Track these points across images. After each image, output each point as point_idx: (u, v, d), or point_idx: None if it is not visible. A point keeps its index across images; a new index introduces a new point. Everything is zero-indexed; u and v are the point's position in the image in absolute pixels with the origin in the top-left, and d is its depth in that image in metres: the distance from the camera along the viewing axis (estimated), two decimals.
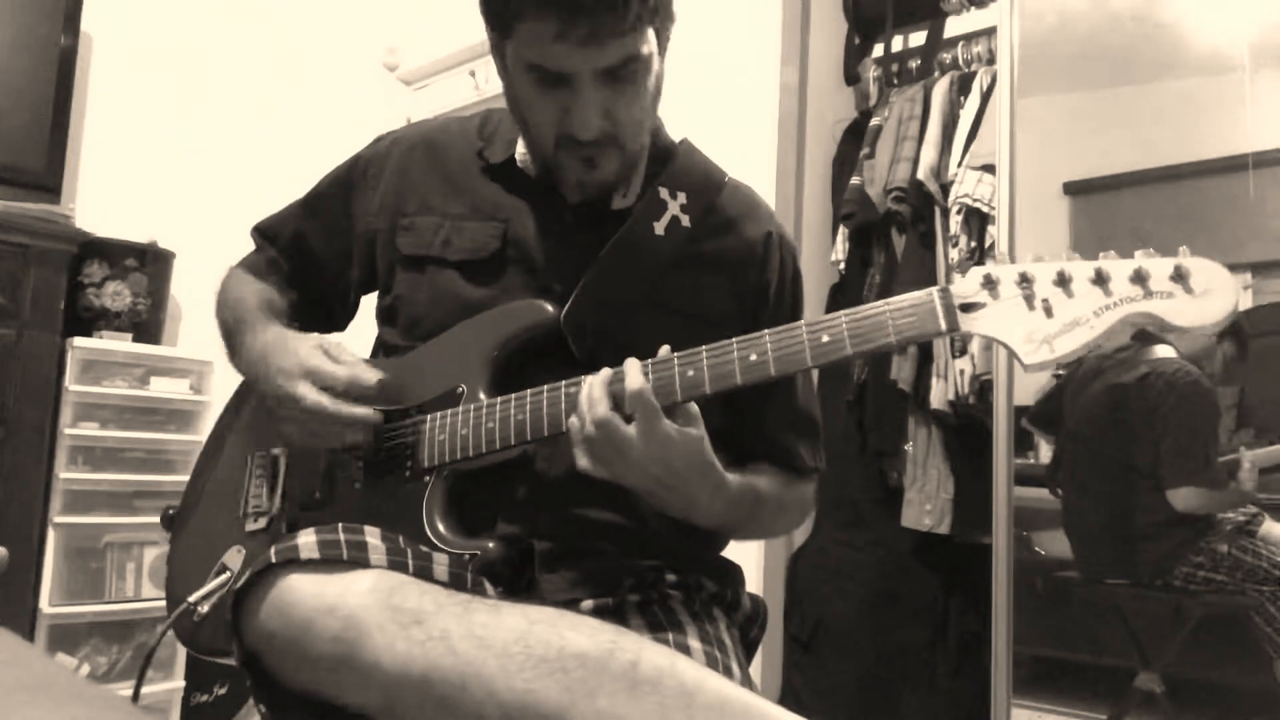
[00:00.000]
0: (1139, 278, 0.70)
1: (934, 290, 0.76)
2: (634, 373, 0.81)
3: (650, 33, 0.89)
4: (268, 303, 1.11)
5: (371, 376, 0.92)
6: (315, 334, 0.99)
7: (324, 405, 0.91)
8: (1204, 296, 0.68)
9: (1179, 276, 0.69)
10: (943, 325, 0.75)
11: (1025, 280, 0.73)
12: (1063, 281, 0.72)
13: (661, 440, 0.80)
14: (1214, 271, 0.69)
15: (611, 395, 0.82)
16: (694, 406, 0.83)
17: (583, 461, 0.83)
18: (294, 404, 0.92)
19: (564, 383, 0.87)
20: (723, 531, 1.02)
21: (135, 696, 1.12)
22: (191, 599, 0.98)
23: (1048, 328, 0.72)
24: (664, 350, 0.84)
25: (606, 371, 0.84)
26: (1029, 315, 0.73)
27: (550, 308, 0.95)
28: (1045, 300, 0.72)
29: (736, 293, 1.03)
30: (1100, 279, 0.71)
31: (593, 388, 0.82)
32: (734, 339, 0.82)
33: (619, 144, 0.94)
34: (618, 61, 0.87)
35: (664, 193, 1.01)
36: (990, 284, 0.74)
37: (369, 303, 1.15)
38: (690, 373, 0.82)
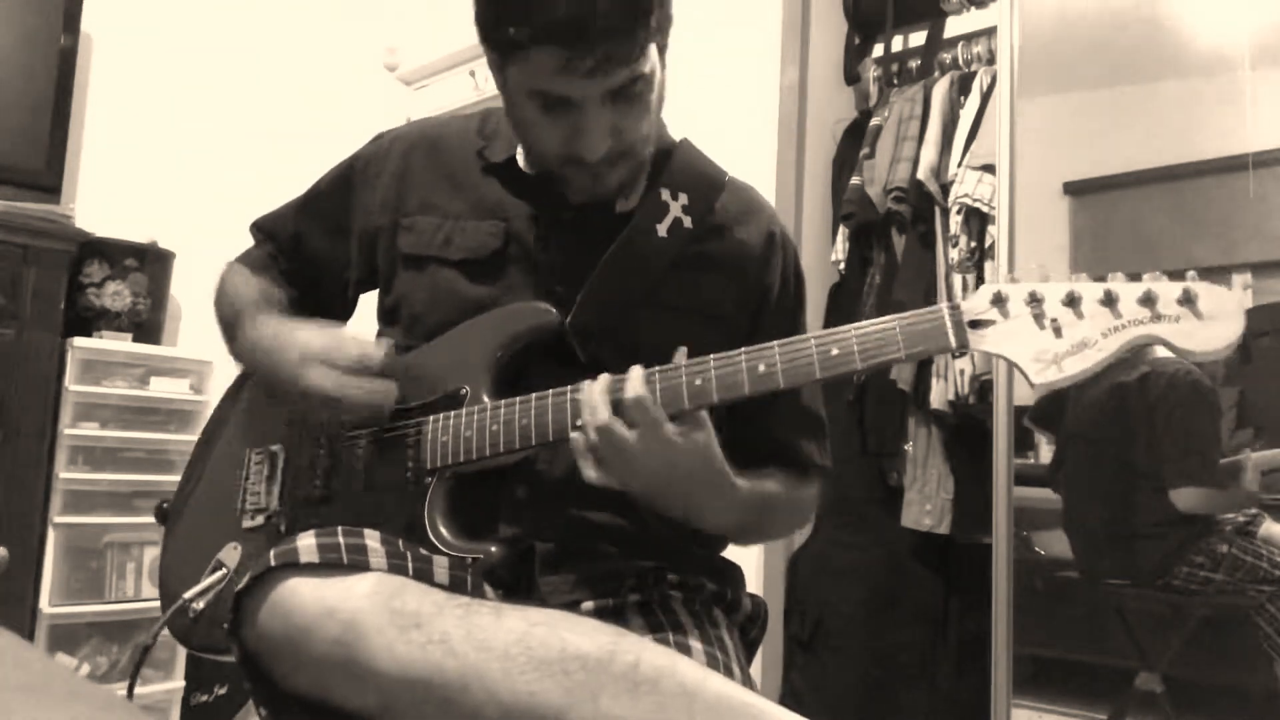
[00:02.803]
0: (1148, 300, 0.70)
1: (944, 306, 0.76)
2: (635, 380, 0.81)
3: (653, 49, 0.89)
4: (267, 296, 1.11)
5: (377, 354, 0.92)
6: (315, 323, 0.99)
7: (341, 381, 0.91)
8: (1211, 322, 0.69)
9: (1187, 300, 0.69)
10: (952, 342, 0.75)
11: (1035, 299, 0.73)
12: (1072, 302, 0.72)
13: (664, 444, 0.80)
14: (1222, 296, 0.69)
15: (613, 402, 0.82)
16: (701, 411, 0.83)
17: (589, 472, 0.83)
18: (308, 386, 0.92)
19: (569, 387, 0.87)
20: (729, 536, 1.02)
21: (130, 693, 1.12)
22: (187, 595, 0.98)
23: (1056, 347, 0.72)
24: (680, 354, 0.83)
25: (606, 378, 0.83)
26: (1038, 334, 0.73)
27: (554, 311, 0.94)
28: (1054, 320, 0.73)
29: (739, 292, 1.03)
30: (1109, 300, 0.71)
31: (593, 395, 0.82)
32: (742, 350, 0.82)
33: (628, 156, 0.94)
34: (624, 83, 0.87)
35: (665, 194, 1.01)
36: (1000, 302, 0.75)
37: (369, 302, 1.15)
38: (698, 382, 0.81)
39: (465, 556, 0.85)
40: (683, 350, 0.83)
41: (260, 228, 1.20)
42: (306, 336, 0.95)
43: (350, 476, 0.98)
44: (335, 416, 0.96)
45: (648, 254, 0.98)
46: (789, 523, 1.08)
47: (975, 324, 0.75)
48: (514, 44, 0.85)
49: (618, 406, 0.81)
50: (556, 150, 0.91)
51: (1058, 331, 0.72)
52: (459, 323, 0.98)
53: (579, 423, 0.83)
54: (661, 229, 0.99)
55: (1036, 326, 0.73)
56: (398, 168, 1.08)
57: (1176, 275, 0.71)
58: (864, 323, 0.79)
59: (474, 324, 0.97)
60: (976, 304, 0.75)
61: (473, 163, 1.05)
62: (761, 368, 0.80)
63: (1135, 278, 0.72)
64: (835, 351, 0.78)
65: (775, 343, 0.81)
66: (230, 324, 1.09)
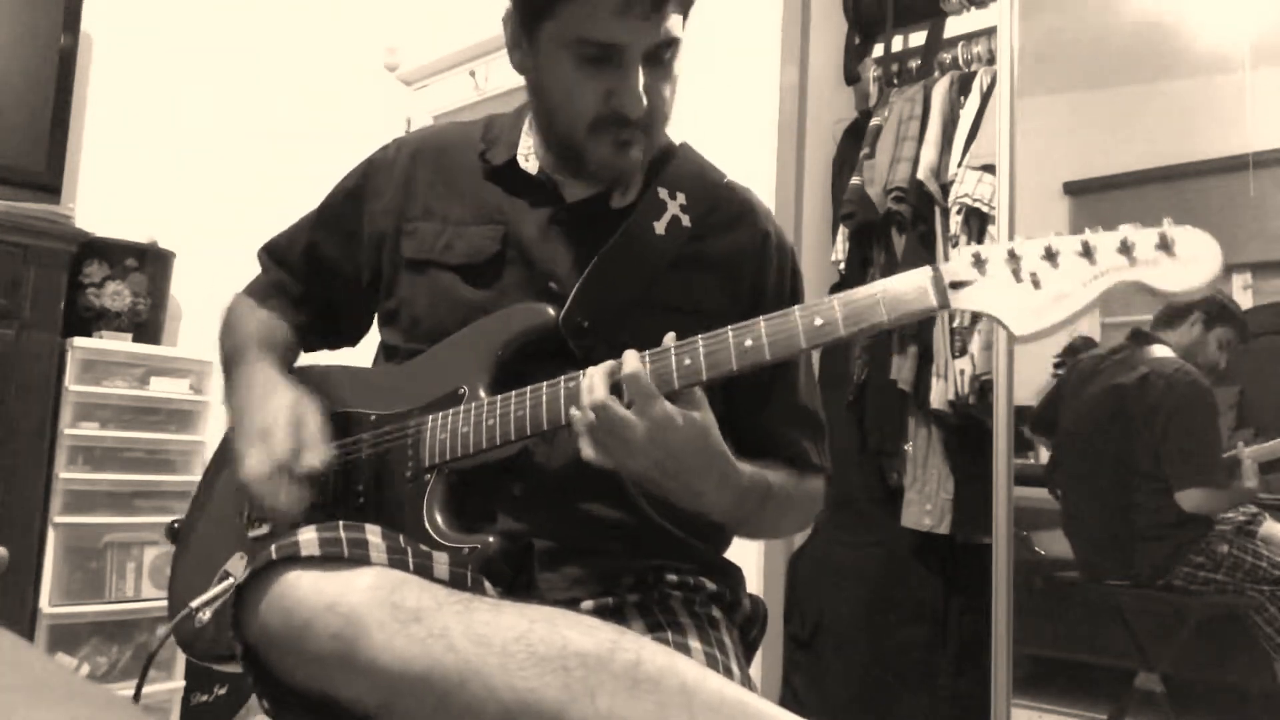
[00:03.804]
0: (1125, 248, 0.71)
1: (925, 269, 0.77)
2: (631, 358, 0.82)
3: (681, 20, 0.92)
4: (267, 333, 1.11)
5: (310, 462, 0.91)
6: (293, 391, 0.98)
7: (267, 476, 0.90)
8: (1188, 262, 0.70)
9: (1164, 245, 0.71)
10: (933, 302, 0.76)
11: (1013, 256, 0.75)
12: (1050, 255, 0.73)
13: (661, 422, 0.80)
14: (1198, 238, 0.70)
15: (611, 382, 0.82)
16: (699, 391, 0.83)
17: (586, 451, 0.83)
18: (244, 462, 0.92)
19: (563, 378, 0.88)
20: (732, 525, 1.01)
21: (136, 697, 1.12)
22: (194, 604, 0.98)
23: (1036, 300, 0.73)
24: (668, 338, 0.84)
25: (609, 362, 0.84)
26: (1017, 288, 0.74)
27: (550, 310, 0.95)
28: (1033, 274, 0.74)
29: (734, 292, 1.04)
30: (1087, 251, 0.72)
31: (593, 376, 0.83)
32: (729, 327, 0.82)
33: (650, 130, 0.95)
34: (665, 40, 0.90)
35: (663, 193, 1.02)
36: (979, 262, 0.76)
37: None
38: (687, 360, 0.82)
39: (463, 548, 0.85)
40: (671, 335, 0.84)
41: (269, 251, 1.20)
42: (272, 411, 0.94)
43: (352, 480, 0.99)
44: (252, 502, 0.95)
45: (644, 251, 0.99)
46: (793, 517, 1.07)
47: (956, 284, 0.76)
48: None
49: (615, 387, 0.82)
50: (593, 109, 0.92)
51: (1036, 284, 0.73)
52: (457, 325, 0.99)
53: (580, 403, 0.83)
54: (660, 227, 1.00)
55: (1015, 281, 0.74)
56: (403, 175, 1.09)
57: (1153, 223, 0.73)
58: (847, 292, 0.79)
59: (472, 327, 0.98)
60: (957, 266, 0.77)
61: (475, 168, 1.06)
62: (748, 342, 0.80)
63: (1112, 229, 0.73)
64: (819, 321, 0.79)
65: (761, 318, 0.81)
66: (227, 363, 1.09)
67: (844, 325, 0.78)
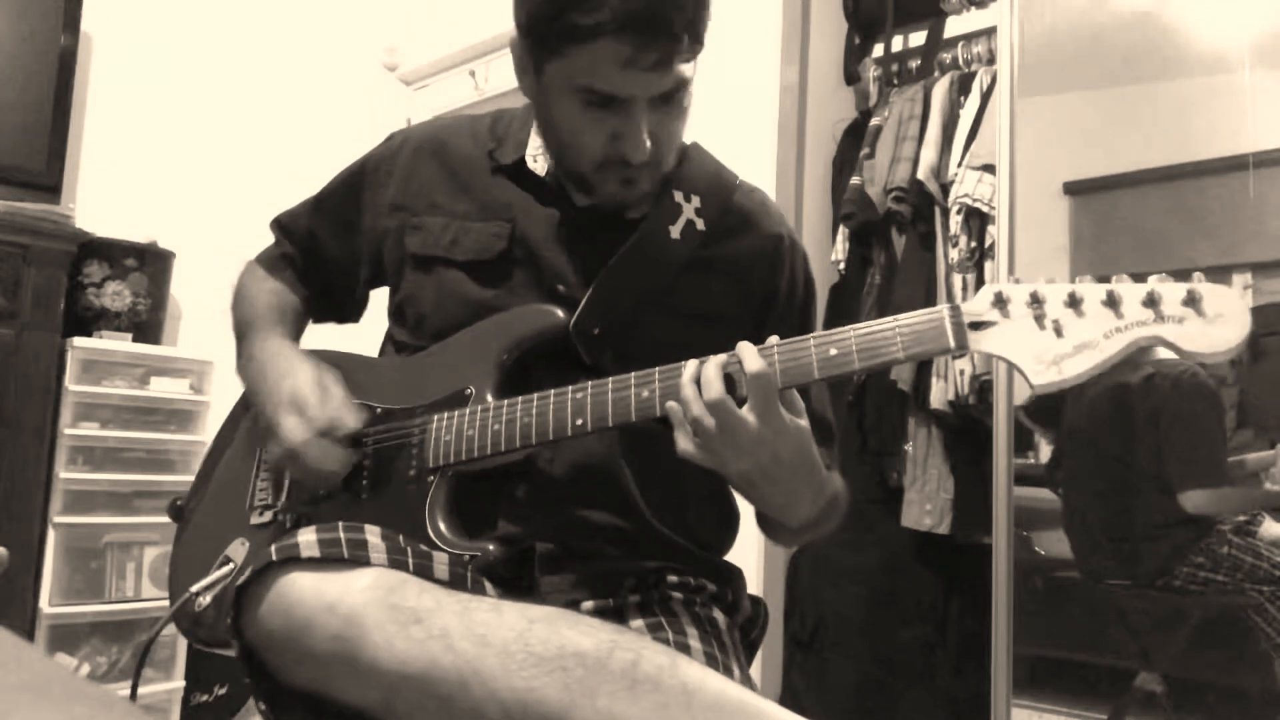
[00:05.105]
0: (1151, 301, 0.69)
1: (944, 308, 0.76)
2: (753, 356, 0.79)
3: (693, 63, 0.90)
4: (279, 304, 1.12)
5: (350, 423, 0.94)
6: (312, 362, 1.00)
7: (306, 440, 0.92)
8: (1216, 323, 0.67)
9: (1191, 301, 0.68)
10: (951, 343, 0.75)
11: (1036, 300, 0.72)
12: (1074, 303, 0.71)
13: (775, 425, 0.79)
14: (1227, 298, 0.68)
15: (726, 377, 0.80)
16: (798, 398, 0.82)
17: (685, 446, 0.81)
18: (279, 432, 0.94)
19: (570, 388, 0.87)
20: (804, 533, 0.99)
21: (133, 693, 1.12)
22: (193, 589, 0.98)
23: (1058, 348, 0.71)
24: (771, 340, 0.81)
25: (720, 356, 0.81)
26: (1039, 335, 0.72)
27: (560, 313, 0.95)
28: (1056, 321, 0.71)
29: (746, 295, 1.03)
30: (1112, 301, 0.70)
31: (707, 369, 0.80)
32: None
33: (660, 165, 0.94)
34: (673, 87, 0.88)
35: (678, 196, 1.01)
36: (1001, 303, 0.74)
37: (381, 299, 1.15)
38: (793, 362, 0.80)
39: (464, 554, 0.85)
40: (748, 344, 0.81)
41: (279, 224, 1.20)
42: (299, 381, 0.96)
43: (355, 474, 0.98)
44: (292, 469, 0.97)
45: (659, 256, 0.98)
46: (835, 522, 1.06)
47: (976, 325, 0.74)
48: (576, 35, 0.84)
49: (730, 381, 0.79)
50: (598, 152, 0.91)
51: (1059, 332, 0.71)
52: (463, 323, 0.98)
53: (680, 397, 0.80)
54: (675, 230, 0.99)
55: (1037, 327, 0.72)
56: (407, 168, 1.08)
57: (1181, 276, 0.70)
58: (863, 324, 0.78)
59: (481, 326, 0.97)
60: (977, 305, 0.75)
61: (482, 164, 1.05)
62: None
63: (1139, 279, 0.70)
64: (834, 352, 0.78)
65: (775, 344, 0.80)
66: (241, 332, 1.11)
67: (859, 359, 0.77)
